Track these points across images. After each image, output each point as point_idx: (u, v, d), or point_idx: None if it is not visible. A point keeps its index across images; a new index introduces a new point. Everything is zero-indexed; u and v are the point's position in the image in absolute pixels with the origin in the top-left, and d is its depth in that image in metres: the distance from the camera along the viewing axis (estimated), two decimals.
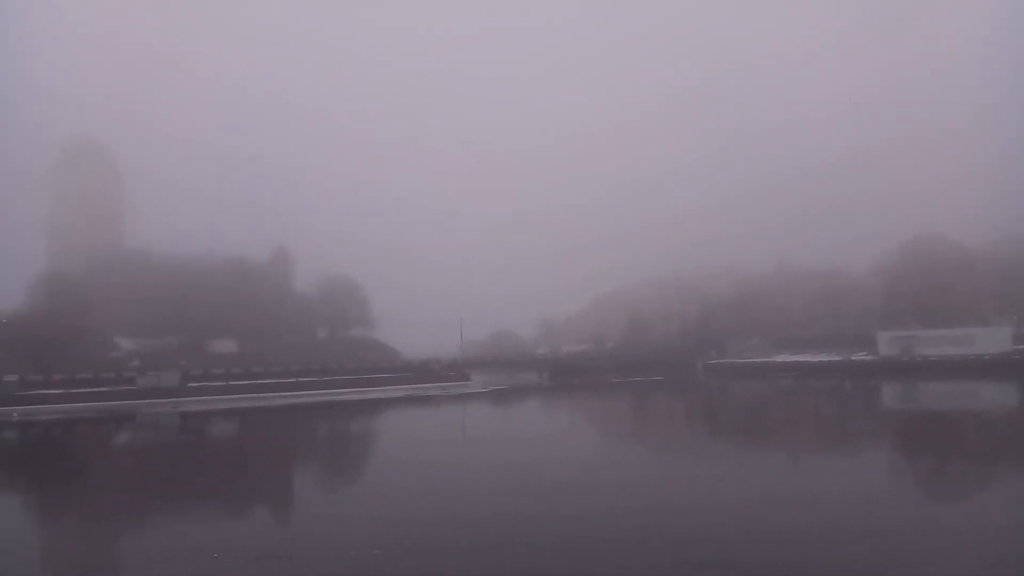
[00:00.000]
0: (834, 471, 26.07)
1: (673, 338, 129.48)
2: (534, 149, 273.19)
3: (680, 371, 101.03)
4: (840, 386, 70.10)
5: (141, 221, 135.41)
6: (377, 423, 55.22)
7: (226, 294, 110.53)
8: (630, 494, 22.05)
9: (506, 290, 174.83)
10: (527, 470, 27.25)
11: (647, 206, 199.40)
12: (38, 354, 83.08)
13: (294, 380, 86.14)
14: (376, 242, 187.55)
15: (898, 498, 21.09)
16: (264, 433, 50.10)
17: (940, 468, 26.48)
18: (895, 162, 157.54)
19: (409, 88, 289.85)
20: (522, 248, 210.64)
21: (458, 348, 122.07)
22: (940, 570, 14.19)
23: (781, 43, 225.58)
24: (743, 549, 15.52)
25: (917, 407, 52.14)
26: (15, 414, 64.47)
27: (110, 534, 20.32)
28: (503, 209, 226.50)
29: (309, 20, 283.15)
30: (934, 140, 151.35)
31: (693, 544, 16.09)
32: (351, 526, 19.04)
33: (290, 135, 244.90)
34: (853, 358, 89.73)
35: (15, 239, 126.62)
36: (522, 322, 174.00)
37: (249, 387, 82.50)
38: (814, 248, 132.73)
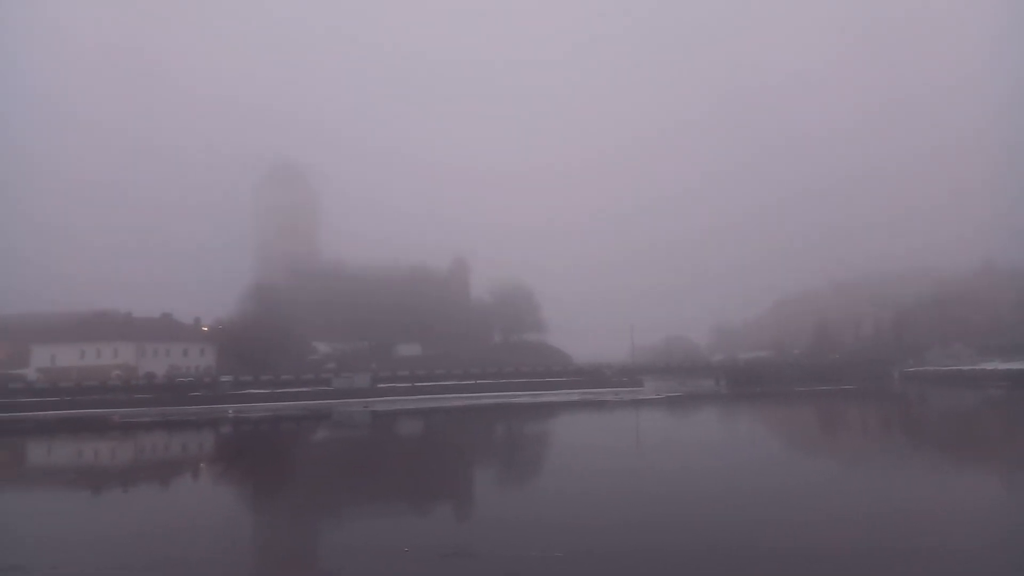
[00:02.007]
0: None
1: (864, 344, 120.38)
2: (711, 152, 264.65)
3: (873, 380, 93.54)
4: None
5: (334, 233, 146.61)
6: (555, 426, 55.76)
7: (410, 301, 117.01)
8: (821, 508, 20.65)
9: (679, 295, 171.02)
10: (712, 479, 26.33)
11: (830, 206, 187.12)
12: (248, 357, 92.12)
13: (472, 382, 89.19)
14: (549, 249, 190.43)
15: None
16: (447, 433, 52.18)
17: None
18: None
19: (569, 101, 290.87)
20: (696, 252, 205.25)
21: (629, 353, 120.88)
22: None
23: None
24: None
25: None
26: (230, 411, 71.76)
27: (316, 522, 22.03)
28: (676, 213, 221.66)
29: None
30: None
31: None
32: (533, 528, 19.28)
33: (469, 146, 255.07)
34: None
35: (228, 254, 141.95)
36: (696, 327, 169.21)
37: (432, 388, 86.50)
38: None
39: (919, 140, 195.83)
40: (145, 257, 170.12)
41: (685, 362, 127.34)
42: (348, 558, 16.74)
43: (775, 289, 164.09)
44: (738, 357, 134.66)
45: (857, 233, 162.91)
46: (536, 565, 15.49)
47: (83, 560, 16.92)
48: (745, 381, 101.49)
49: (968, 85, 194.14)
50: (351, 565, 16.19)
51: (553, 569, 15.09)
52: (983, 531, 17.84)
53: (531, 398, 78.94)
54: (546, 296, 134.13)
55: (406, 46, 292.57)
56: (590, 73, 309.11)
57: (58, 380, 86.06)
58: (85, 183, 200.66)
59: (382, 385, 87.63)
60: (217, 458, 41.41)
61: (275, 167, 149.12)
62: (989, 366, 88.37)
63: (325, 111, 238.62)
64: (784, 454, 37.29)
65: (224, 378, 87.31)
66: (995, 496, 23.15)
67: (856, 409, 64.13)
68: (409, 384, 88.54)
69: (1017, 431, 44.10)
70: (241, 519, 23.74)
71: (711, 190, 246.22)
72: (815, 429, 50.67)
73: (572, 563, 15.54)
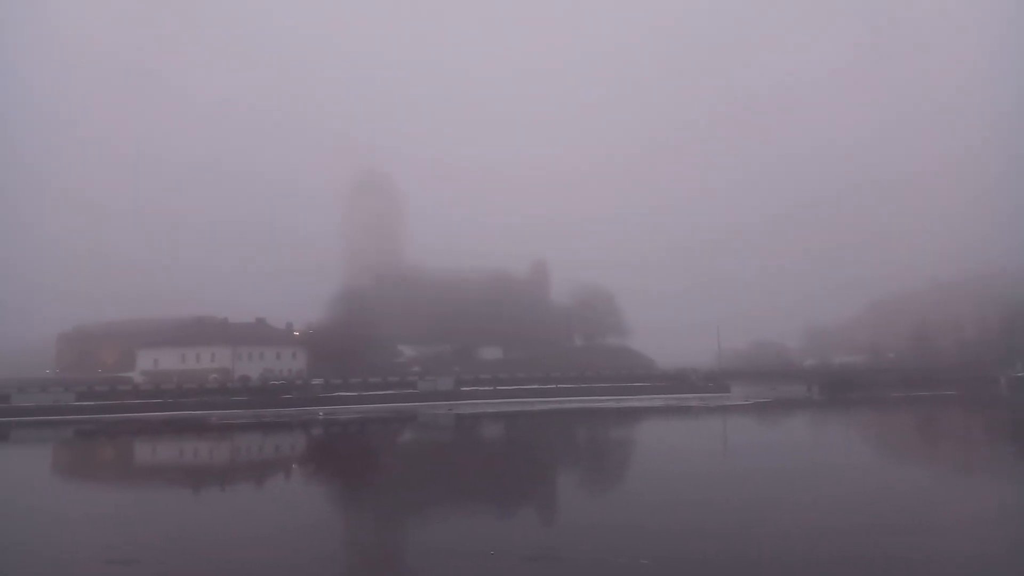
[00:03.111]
0: None
1: (968, 348, 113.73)
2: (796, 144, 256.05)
3: (977, 386, 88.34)
4: None
5: (417, 240, 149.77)
6: (639, 432, 55.20)
7: (491, 305, 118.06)
8: (938, 524, 19.71)
9: (769, 296, 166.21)
10: (804, 487, 25.55)
11: (927, 199, 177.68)
12: (337, 360, 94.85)
13: (554, 387, 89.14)
14: (631, 251, 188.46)
15: None
16: (531, 436, 52.30)
17: None
18: None
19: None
20: (787, 251, 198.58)
21: (716, 358, 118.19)
22: None
23: None
24: None
25: None
26: (320, 413, 74.01)
27: (405, 523, 22.51)
28: (761, 210, 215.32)
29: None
30: None
31: None
32: (618, 533, 19.16)
33: (554, 154, 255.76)
34: None
35: (318, 260, 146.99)
36: (786, 331, 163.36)
37: (514, 392, 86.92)
38: None
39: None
40: (240, 265, 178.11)
41: (775, 366, 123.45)
42: (435, 559, 17.05)
43: (871, 289, 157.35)
44: (831, 361, 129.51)
45: (959, 228, 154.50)
46: (622, 572, 15.40)
47: (192, 554, 17.84)
48: (839, 387, 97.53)
49: None
50: (438, 566, 16.48)
51: None
52: None
53: (614, 403, 78.23)
54: (628, 299, 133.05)
55: (453, 62, 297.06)
56: (646, 70, 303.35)
57: (160, 383, 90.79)
58: (188, 199, 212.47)
59: (465, 388, 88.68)
60: (311, 459, 42.84)
61: (361, 177, 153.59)
62: None
63: (393, 127, 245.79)
64: (882, 462, 35.72)
65: (315, 381, 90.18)
66: None
67: (961, 417, 60.82)
68: (491, 387, 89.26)
69: None
70: (335, 519, 24.55)
71: (795, 181, 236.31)
72: (920, 438, 48.36)
73: (659, 570, 15.38)
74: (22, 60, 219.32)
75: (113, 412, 74.86)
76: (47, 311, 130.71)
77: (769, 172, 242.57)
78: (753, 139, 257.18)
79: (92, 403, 78.45)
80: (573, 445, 47.09)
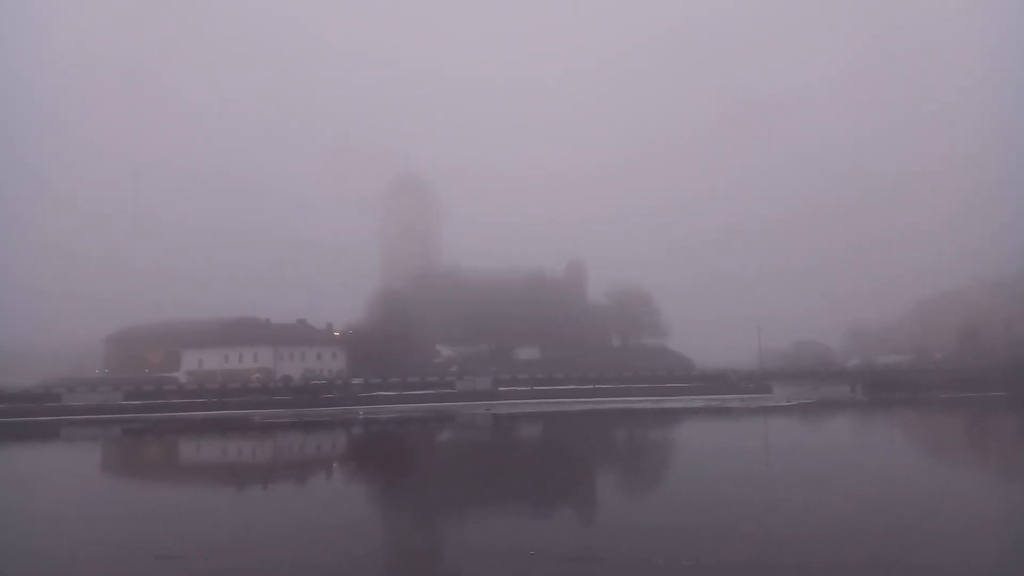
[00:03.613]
0: None
1: (1018, 347, 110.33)
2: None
3: None
4: None
5: (454, 241, 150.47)
6: (679, 433, 54.73)
7: (528, 305, 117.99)
8: (975, 529, 19.20)
9: (810, 295, 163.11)
10: (848, 491, 25.05)
11: (970, 194, 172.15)
12: (376, 360, 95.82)
13: (592, 387, 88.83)
14: (666, 250, 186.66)
15: None
16: (569, 437, 52.16)
17: None
18: None
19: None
20: (827, 247, 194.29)
21: (756, 358, 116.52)
22: None
23: None
24: None
25: None
26: (360, 412, 74.84)
27: (446, 522, 22.67)
28: (799, 206, 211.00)
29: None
30: None
31: None
32: (659, 534, 19.03)
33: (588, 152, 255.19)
34: None
35: (357, 262, 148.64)
36: (829, 330, 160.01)
37: (551, 392, 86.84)
38: None
39: None
40: (281, 266, 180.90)
41: (817, 367, 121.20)
42: (475, 558, 17.13)
43: (915, 287, 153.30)
44: (876, 361, 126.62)
45: (1005, 224, 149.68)
46: (663, 573, 15.29)
47: (236, 551, 18.18)
48: (883, 387, 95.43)
49: None
50: (478, 565, 16.55)
51: None
52: None
53: (653, 404, 77.68)
54: (666, 299, 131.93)
55: (476, 66, 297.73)
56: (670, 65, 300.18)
57: (205, 382, 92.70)
58: (229, 206, 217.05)
59: (503, 388, 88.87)
60: (354, 458, 43.43)
61: (398, 179, 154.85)
62: None
63: (426, 130, 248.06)
64: (928, 466, 34.87)
65: (355, 380, 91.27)
66: None
67: (1012, 419, 59.09)
68: (529, 388, 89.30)
69: None
70: (377, 517, 24.85)
71: (831, 177, 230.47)
72: (968, 441, 47.12)
73: (700, 572, 15.24)
74: (47, 74, 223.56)
75: (159, 411, 76.67)
76: (95, 314, 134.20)
77: (804, 166, 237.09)
78: (783, 133, 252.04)
79: (139, 402, 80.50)
80: (612, 446, 46.89)
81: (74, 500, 27.44)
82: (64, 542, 19.68)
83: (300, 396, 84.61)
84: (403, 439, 53.74)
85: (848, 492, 24.71)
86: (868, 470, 30.32)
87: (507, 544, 18.17)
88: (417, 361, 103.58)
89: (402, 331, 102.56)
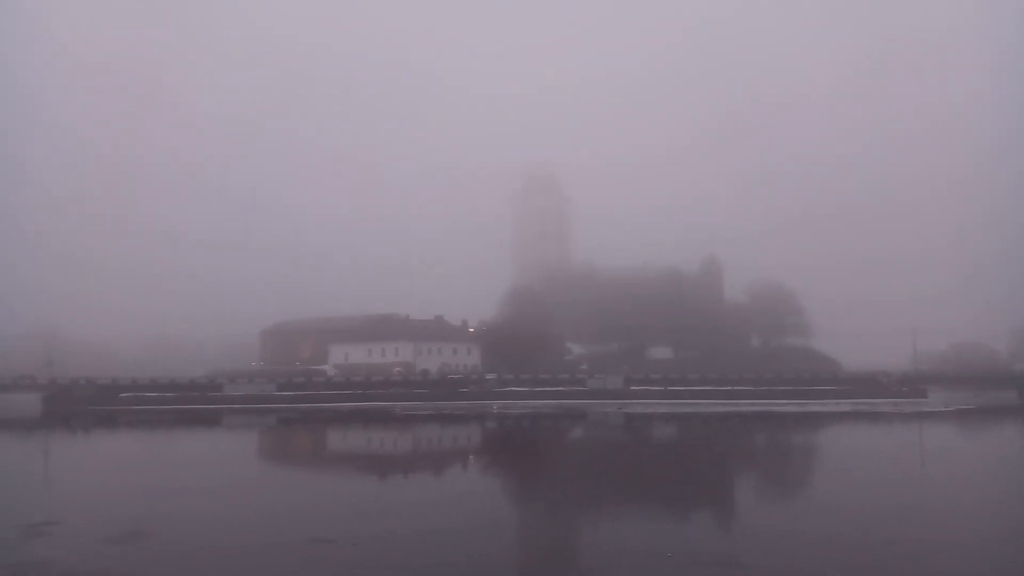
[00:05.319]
0: None
1: None
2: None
3: None
4: None
5: (585, 238, 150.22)
6: (825, 437, 51.95)
7: (661, 303, 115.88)
8: None
9: (972, 293, 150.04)
10: (1012, 502, 22.98)
11: None
12: (509, 356, 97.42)
13: (729, 388, 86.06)
14: (813, 247, 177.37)
15: None
16: (707, 438, 50.74)
17: None
18: None
19: None
20: (993, 240, 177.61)
21: (910, 360, 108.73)
22: None
23: None
24: None
25: None
26: (494, 407, 76.40)
27: (583, 520, 22.76)
28: (962, 194, 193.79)
29: None
30: None
31: None
32: (805, 542, 18.20)
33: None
34: None
35: (490, 259, 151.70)
36: (994, 331, 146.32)
37: (686, 393, 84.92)
38: None
39: None
40: (421, 264, 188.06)
41: (979, 371, 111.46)
42: (612, 558, 17.08)
43: None
44: None
45: None
46: None
47: (382, 537, 19.08)
48: None
49: None
50: (615, 565, 16.49)
51: None
52: None
53: (796, 407, 74.09)
54: (810, 297, 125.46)
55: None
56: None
57: (350, 375, 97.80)
58: (375, 200, 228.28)
59: (635, 388, 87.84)
60: (492, 452, 44.47)
61: (531, 176, 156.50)
62: None
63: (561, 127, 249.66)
64: None
65: (489, 375, 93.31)
66: None
67: None
68: (662, 388, 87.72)
69: None
70: (515, 511, 25.37)
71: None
72: None
73: None
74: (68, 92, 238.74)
75: (309, 402, 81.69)
76: (252, 309, 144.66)
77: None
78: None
79: (291, 393, 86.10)
80: (753, 449, 45.27)
81: (236, 481, 29.72)
82: (224, 523, 21.36)
83: (438, 390, 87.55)
84: (538, 435, 54.31)
85: (1011, 504, 22.64)
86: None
87: (644, 545, 18.01)
88: (548, 358, 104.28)
89: (534, 328, 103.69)
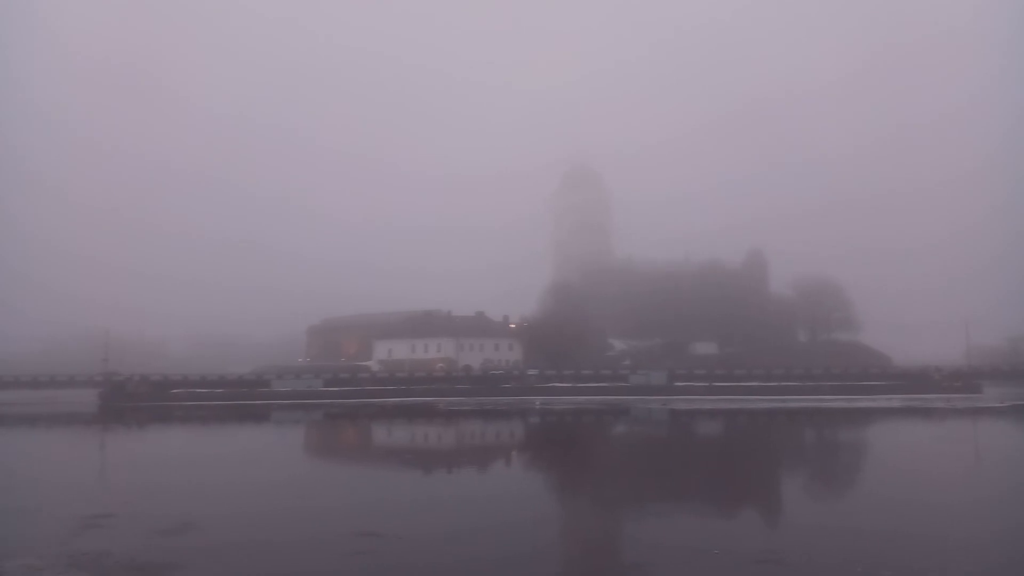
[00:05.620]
0: None
1: None
2: None
3: None
4: None
5: (626, 233, 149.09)
6: (874, 433, 50.89)
7: (703, 298, 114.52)
8: None
9: None
10: None
11: None
12: (550, 352, 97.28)
13: (776, 384, 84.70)
14: (861, 240, 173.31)
15: None
16: (754, 435, 50.13)
17: None
18: None
19: None
20: None
21: (964, 354, 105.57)
22: None
23: None
24: None
25: None
26: (536, 402, 76.44)
27: (629, 516, 22.71)
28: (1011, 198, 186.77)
29: None
30: None
31: None
32: (854, 539, 17.87)
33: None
34: None
35: (532, 256, 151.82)
36: None
37: (731, 389, 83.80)
38: None
39: None
40: (462, 260, 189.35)
41: None
42: (658, 553, 17.03)
43: None
44: None
45: None
46: None
47: (427, 532, 19.27)
48: None
49: None
50: (662, 561, 16.43)
51: None
52: None
53: (845, 403, 72.55)
54: (859, 291, 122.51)
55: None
56: None
57: (394, 371, 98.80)
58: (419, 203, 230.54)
59: (679, 384, 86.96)
60: (536, 448, 44.62)
61: (571, 171, 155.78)
62: None
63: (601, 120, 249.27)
64: None
65: (530, 371, 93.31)
66: None
67: None
68: (706, 383, 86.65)
69: None
70: (560, 506, 25.45)
71: None
72: None
73: None
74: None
75: (354, 397, 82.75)
76: (300, 305, 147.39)
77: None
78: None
79: (336, 388, 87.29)
80: (802, 445, 44.55)
81: (285, 475, 30.31)
82: (270, 516, 21.81)
83: (480, 385, 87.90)
84: (582, 431, 54.23)
85: None
86: None
87: (691, 541, 17.90)
88: (590, 354, 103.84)
89: (575, 324, 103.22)
